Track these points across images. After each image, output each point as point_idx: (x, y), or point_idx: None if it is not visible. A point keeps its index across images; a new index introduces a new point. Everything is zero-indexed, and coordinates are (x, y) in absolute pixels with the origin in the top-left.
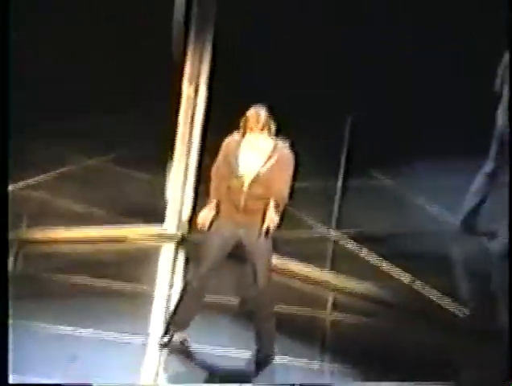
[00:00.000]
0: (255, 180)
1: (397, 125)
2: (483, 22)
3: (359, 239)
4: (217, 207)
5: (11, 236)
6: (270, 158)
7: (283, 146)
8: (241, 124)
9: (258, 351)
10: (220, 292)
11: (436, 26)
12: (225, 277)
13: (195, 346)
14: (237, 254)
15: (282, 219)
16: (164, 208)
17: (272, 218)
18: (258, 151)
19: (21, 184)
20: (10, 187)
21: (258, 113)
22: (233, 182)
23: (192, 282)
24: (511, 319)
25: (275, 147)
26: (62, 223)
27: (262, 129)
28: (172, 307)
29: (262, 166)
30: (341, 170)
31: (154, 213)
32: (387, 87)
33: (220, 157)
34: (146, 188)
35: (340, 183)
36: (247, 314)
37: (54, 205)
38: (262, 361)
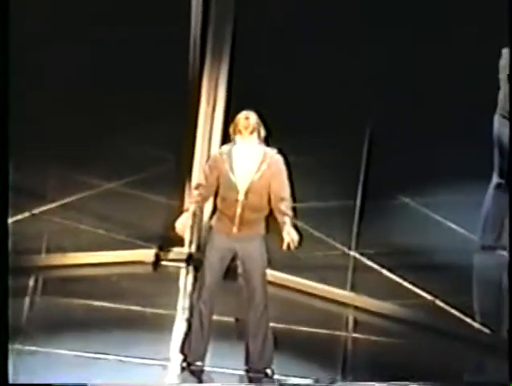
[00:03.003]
0: (249, 189)
1: (415, 143)
2: None
3: (379, 258)
4: (194, 214)
5: (30, 261)
6: (261, 164)
7: (272, 152)
8: (231, 128)
9: (250, 367)
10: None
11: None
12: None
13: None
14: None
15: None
16: None
17: (292, 235)
18: (249, 159)
19: (40, 209)
20: (28, 213)
21: (247, 116)
22: (227, 193)
23: (200, 307)
24: (511, 320)
25: (265, 154)
26: (81, 248)
27: (251, 133)
28: (185, 336)
29: (255, 174)
30: (360, 190)
31: (172, 237)
32: (405, 102)
33: (206, 169)
34: (164, 212)
35: (359, 203)
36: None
37: (73, 230)
38: (254, 377)
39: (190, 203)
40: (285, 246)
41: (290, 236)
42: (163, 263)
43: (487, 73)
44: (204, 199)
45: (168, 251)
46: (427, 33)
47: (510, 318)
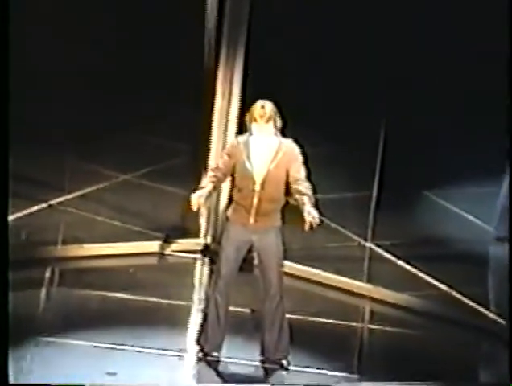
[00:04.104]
0: (266, 178)
1: (431, 135)
2: None
3: (395, 249)
4: (209, 194)
5: (47, 253)
6: (277, 153)
7: (288, 141)
8: (247, 117)
9: (267, 358)
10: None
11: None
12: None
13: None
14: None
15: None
16: (199, 223)
17: (312, 213)
18: (265, 149)
19: (57, 200)
20: (45, 205)
21: (263, 105)
22: (243, 184)
23: (216, 298)
24: (511, 320)
25: (280, 143)
26: (97, 240)
27: (267, 121)
28: (201, 327)
29: (272, 163)
30: (376, 181)
31: (188, 228)
32: (421, 96)
33: (224, 155)
34: (181, 203)
35: (375, 194)
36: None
37: (89, 221)
38: (269, 368)
39: (206, 182)
40: (307, 226)
41: (310, 215)
42: (179, 254)
43: (499, 66)
44: (219, 182)
45: (183, 242)
46: (438, 35)
47: (510, 317)
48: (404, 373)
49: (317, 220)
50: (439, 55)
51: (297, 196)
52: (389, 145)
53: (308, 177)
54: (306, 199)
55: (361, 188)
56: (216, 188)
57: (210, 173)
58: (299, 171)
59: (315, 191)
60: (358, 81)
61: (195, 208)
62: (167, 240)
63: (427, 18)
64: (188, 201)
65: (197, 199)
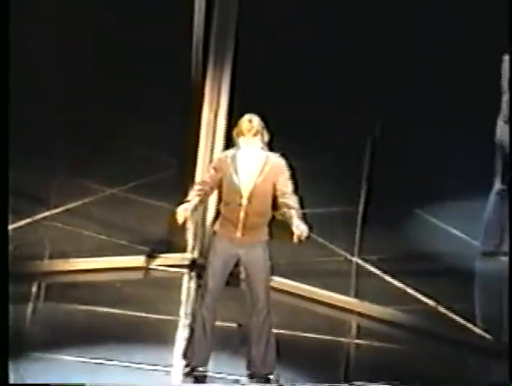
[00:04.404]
0: (253, 192)
1: (418, 149)
2: None
3: (382, 264)
4: (195, 206)
5: (33, 267)
6: (264, 166)
7: (275, 156)
8: (234, 131)
9: (253, 372)
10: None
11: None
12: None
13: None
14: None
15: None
16: (186, 237)
17: (300, 227)
18: (252, 163)
19: (43, 215)
20: (30, 219)
21: (250, 119)
22: (230, 198)
23: (203, 312)
24: (511, 320)
25: (267, 157)
26: (83, 254)
27: (254, 135)
28: (188, 342)
29: (259, 177)
30: (362, 196)
31: (175, 242)
32: (409, 109)
33: (211, 169)
34: (167, 217)
35: (361, 209)
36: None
37: (76, 236)
38: (256, 383)
39: (192, 196)
40: (295, 239)
41: (299, 229)
42: (166, 269)
43: (490, 79)
44: (206, 195)
45: (170, 257)
46: (429, 39)
47: (510, 318)
48: None
49: (305, 234)
50: (439, 55)
51: (284, 210)
52: (376, 160)
53: (296, 191)
54: (293, 213)
55: (347, 203)
56: (203, 202)
57: (197, 186)
58: (286, 185)
59: (302, 206)
60: (345, 95)
61: (180, 221)
62: (154, 255)
63: (427, 18)
64: (175, 215)
65: (183, 212)
